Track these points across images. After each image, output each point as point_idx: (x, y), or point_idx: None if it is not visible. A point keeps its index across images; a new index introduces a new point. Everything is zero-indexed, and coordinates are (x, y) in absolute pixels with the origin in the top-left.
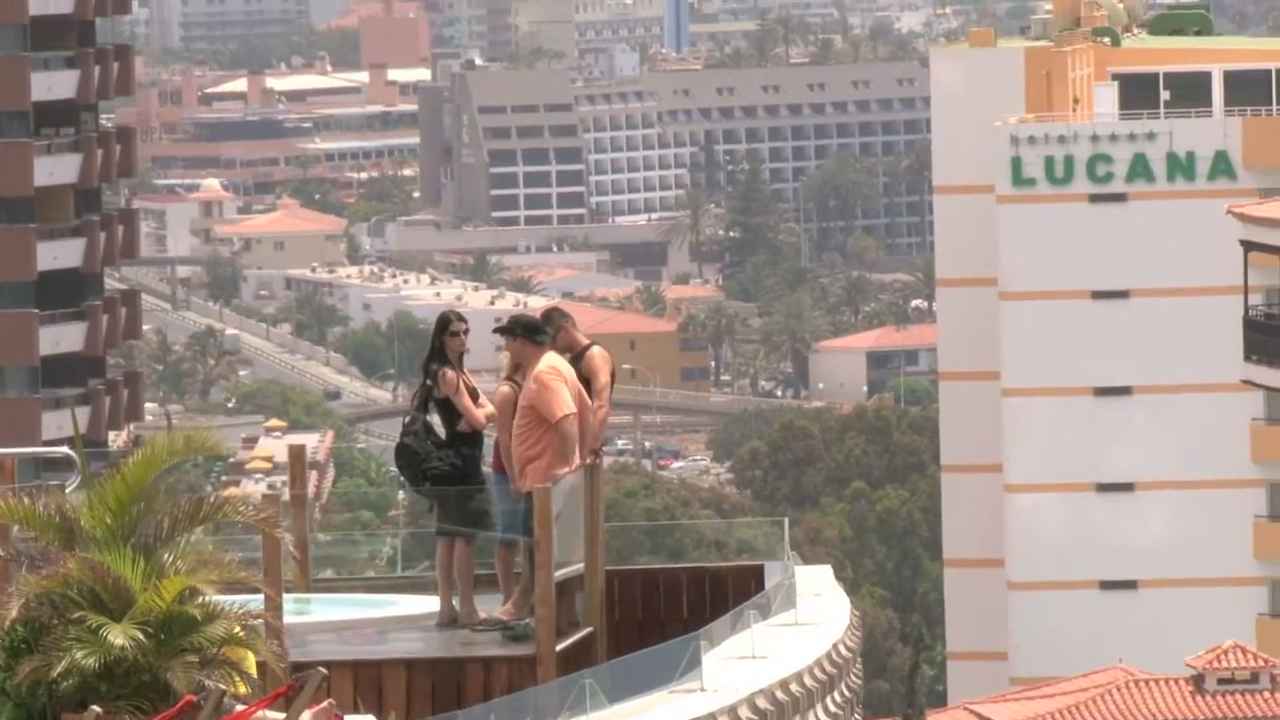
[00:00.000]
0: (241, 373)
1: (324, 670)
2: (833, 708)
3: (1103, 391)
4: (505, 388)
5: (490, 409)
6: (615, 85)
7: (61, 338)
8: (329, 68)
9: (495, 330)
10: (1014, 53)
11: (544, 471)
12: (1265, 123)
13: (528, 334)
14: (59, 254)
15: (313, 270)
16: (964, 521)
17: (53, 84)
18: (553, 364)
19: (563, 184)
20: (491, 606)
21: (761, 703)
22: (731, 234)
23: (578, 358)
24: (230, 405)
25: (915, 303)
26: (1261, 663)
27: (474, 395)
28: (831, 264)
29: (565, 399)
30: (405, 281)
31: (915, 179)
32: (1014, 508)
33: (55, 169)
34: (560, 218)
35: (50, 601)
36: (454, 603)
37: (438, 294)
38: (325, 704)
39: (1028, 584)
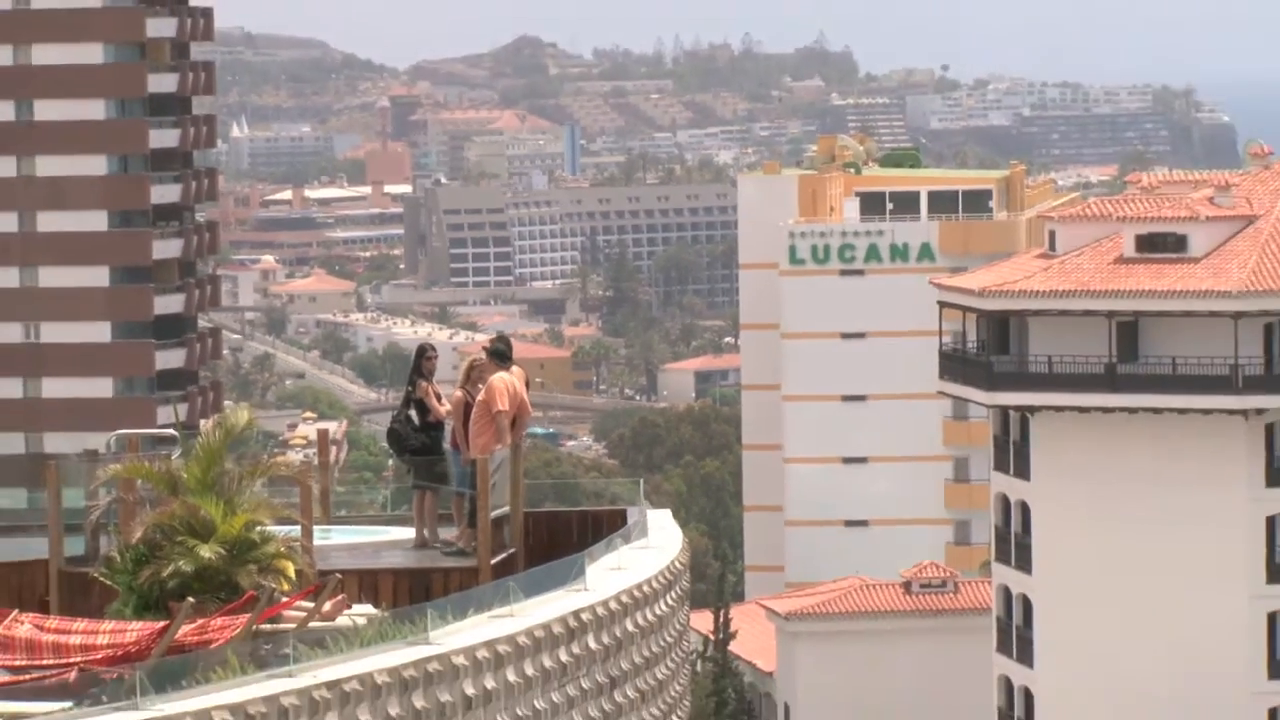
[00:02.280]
0: (287, 382)
1: (339, 575)
2: (670, 601)
3: (848, 398)
4: (459, 393)
5: (449, 406)
6: (532, 197)
7: (169, 359)
8: (345, 183)
9: (485, 350)
10: (791, 178)
11: (486, 447)
12: (954, 225)
13: (495, 359)
14: (168, 304)
15: (334, 315)
16: (757, 481)
17: (165, 193)
18: (504, 377)
19: (498, 261)
20: (449, 534)
21: (624, 598)
22: (607, 294)
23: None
24: (279, 403)
25: (726, 339)
26: (949, 574)
27: (438, 398)
28: (673, 314)
29: (504, 401)
30: (394, 324)
31: (727, 259)
32: (790, 472)
33: (166, 248)
34: (496, 282)
35: (161, 529)
36: (425, 533)
37: (415, 331)
38: (340, 598)
39: (798, 521)
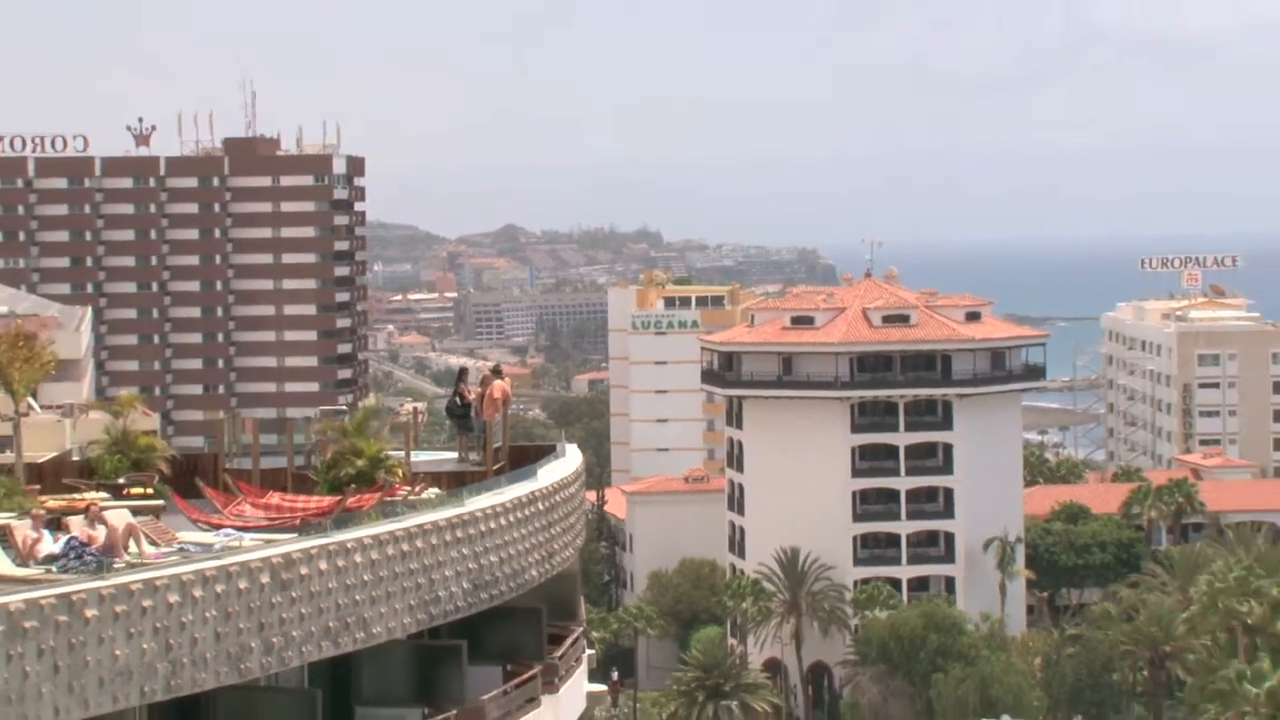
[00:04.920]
0: (398, 384)
1: (422, 475)
2: (577, 486)
3: (659, 392)
4: (479, 389)
5: (473, 396)
6: (512, 298)
7: (344, 373)
8: (426, 292)
9: (490, 370)
10: (633, 290)
11: (492, 415)
12: (709, 312)
13: (495, 375)
14: (344, 349)
15: (421, 354)
16: (618, 431)
17: (342, 297)
18: (500, 384)
19: (496, 329)
20: (474, 456)
21: (556, 484)
22: (547, 344)
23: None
24: (395, 395)
25: (603, 364)
26: (705, 473)
27: (469, 391)
28: (578, 354)
29: (499, 393)
30: (449, 357)
31: (603, 326)
32: (633, 426)
33: (343, 322)
34: (496, 338)
35: (340, 453)
36: (461, 455)
37: (459, 361)
38: (422, 485)
39: (637, 449)
